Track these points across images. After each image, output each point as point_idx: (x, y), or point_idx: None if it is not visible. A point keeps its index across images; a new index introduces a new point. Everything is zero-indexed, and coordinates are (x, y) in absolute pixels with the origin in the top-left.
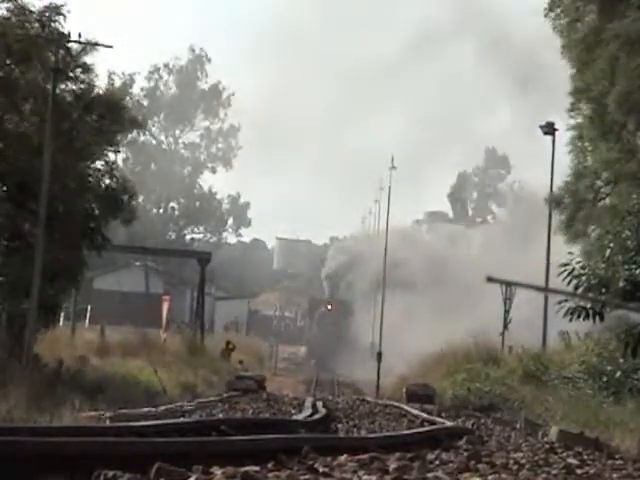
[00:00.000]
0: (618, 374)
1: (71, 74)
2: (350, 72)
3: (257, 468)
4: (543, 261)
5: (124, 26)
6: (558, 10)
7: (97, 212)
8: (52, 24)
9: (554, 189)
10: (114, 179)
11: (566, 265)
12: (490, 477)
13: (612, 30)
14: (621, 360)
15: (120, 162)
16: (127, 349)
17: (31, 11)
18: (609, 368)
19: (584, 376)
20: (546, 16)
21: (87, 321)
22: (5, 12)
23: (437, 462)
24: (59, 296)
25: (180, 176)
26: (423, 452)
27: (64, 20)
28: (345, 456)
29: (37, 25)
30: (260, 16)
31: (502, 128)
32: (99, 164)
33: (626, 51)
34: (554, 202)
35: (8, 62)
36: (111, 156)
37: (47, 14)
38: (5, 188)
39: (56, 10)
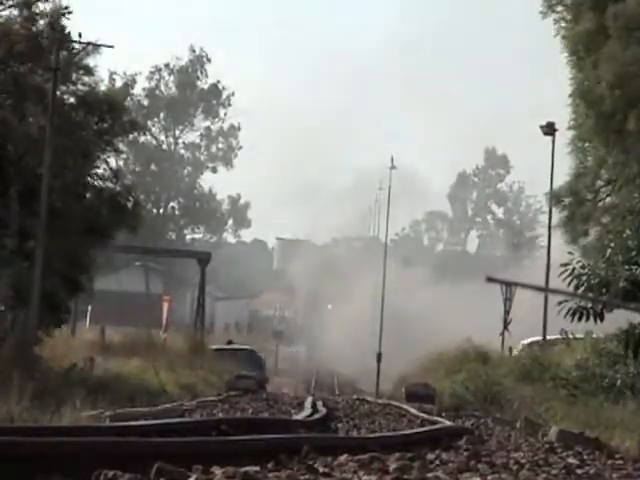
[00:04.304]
0: (619, 381)
1: (73, 76)
2: (354, 72)
3: (257, 468)
4: None
5: (125, 26)
6: (559, 7)
7: (101, 214)
8: (59, 26)
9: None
10: (118, 183)
11: (566, 265)
12: (490, 477)
13: (611, 12)
14: (620, 357)
15: (120, 163)
16: (127, 349)
17: (37, 13)
18: (610, 374)
19: (584, 376)
20: (546, 14)
21: (87, 321)
22: (10, 13)
23: (437, 462)
24: (64, 295)
25: (180, 176)
26: (423, 452)
27: (69, 21)
28: (345, 456)
29: (42, 23)
30: (261, 16)
31: (502, 128)
32: (102, 167)
33: (623, 41)
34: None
35: (12, 63)
36: (113, 161)
37: (54, 16)
38: (10, 189)
39: (63, 12)
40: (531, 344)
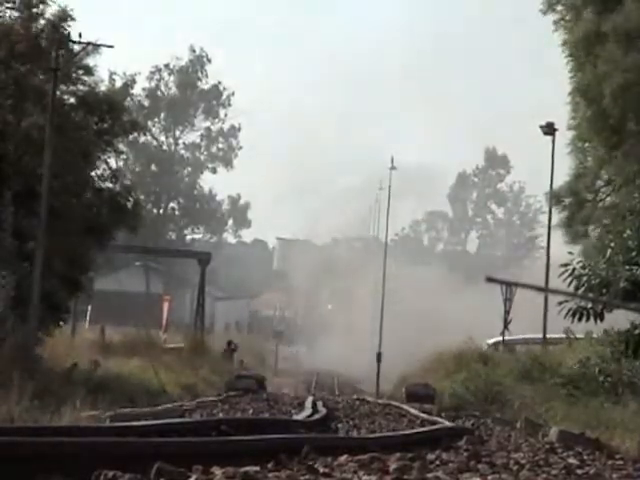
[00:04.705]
0: (622, 377)
1: (73, 75)
2: (355, 72)
3: (257, 468)
4: None
5: (125, 26)
6: (559, 6)
7: (101, 214)
8: (62, 29)
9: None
10: (118, 183)
11: (567, 265)
12: (490, 477)
13: (610, 22)
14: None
15: (120, 163)
16: (127, 349)
17: (39, 14)
18: (612, 368)
19: (584, 376)
20: (546, 13)
21: (87, 321)
22: (11, 14)
23: (437, 462)
24: (64, 295)
25: (180, 176)
26: (423, 452)
27: (72, 24)
28: (345, 456)
29: (42, 23)
30: (262, 15)
31: (502, 128)
32: (102, 167)
33: (623, 46)
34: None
35: (12, 63)
36: (113, 162)
37: (57, 20)
38: (10, 190)
39: (66, 16)
40: (496, 344)
